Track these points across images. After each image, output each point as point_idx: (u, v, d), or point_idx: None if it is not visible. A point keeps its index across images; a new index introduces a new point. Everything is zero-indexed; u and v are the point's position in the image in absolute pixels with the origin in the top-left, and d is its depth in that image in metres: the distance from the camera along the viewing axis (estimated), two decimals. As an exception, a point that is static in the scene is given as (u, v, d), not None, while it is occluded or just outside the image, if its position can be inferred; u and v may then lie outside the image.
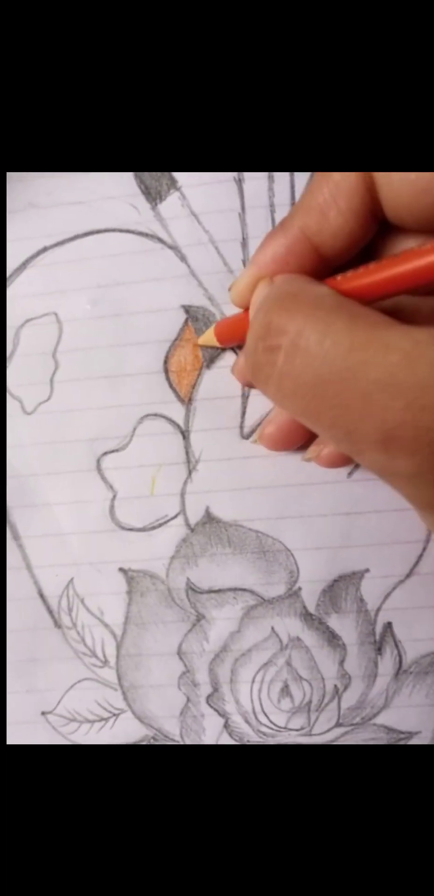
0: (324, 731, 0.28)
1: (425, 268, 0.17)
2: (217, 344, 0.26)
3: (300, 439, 0.26)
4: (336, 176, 0.20)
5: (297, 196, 0.26)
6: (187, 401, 0.27)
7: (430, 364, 0.15)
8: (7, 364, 0.28)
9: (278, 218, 0.26)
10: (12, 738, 0.28)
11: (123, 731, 0.28)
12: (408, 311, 0.21)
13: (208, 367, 0.27)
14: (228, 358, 0.27)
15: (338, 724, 0.28)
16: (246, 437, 0.27)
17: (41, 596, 0.28)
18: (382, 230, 0.21)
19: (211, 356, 0.27)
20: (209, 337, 0.26)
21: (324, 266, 0.21)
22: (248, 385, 0.27)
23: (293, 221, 0.21)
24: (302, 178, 0.26)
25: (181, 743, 0.28)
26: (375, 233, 0.21)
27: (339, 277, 0.20)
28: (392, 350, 0.16)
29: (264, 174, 0.26)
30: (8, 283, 0.27)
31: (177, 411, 0.27)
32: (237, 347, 0.27)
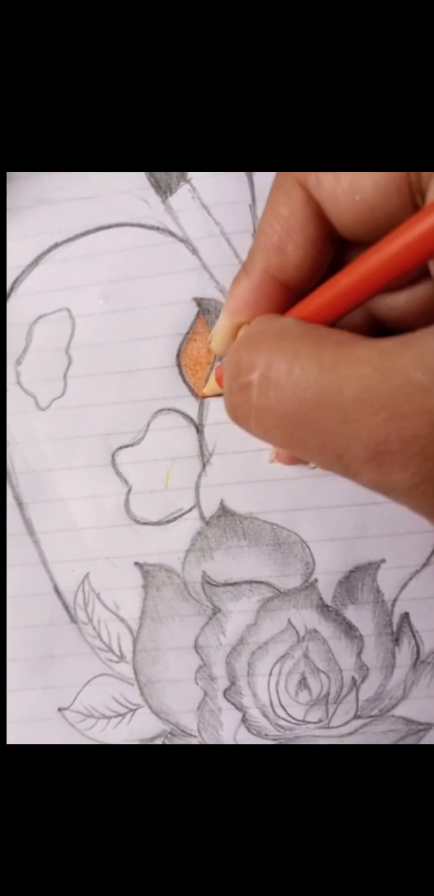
0: (342, 724, 0.28)
1: (376, 271, 0.17)
2: (220, 390, 0.26)
3: None
4: (283, 210, 0.20)
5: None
6: (201, 395, 0.27)
7: (402, 371, 0.15)
8: (20, 361, 0.28)
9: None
10: (29, 735, 0.28)
11: (140, 727, 0.28)
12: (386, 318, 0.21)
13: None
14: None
15: (356, 717, 0.28)
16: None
17: (57, 591, 0.28)
18: (343, 245, 0.21)
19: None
20: (213, 386, 0.26)
21: (294, 297, 0.21)
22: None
23: (255, 264, 0.21)
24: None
25: (198, 737, 0.28)
26: (336, 250, 0.21)
27: (300, 305, 0.20)
28: (362, 364, 0.15)
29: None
30: (20, 280, 0.27)
31: (190, 405, 0.27)
32: None
